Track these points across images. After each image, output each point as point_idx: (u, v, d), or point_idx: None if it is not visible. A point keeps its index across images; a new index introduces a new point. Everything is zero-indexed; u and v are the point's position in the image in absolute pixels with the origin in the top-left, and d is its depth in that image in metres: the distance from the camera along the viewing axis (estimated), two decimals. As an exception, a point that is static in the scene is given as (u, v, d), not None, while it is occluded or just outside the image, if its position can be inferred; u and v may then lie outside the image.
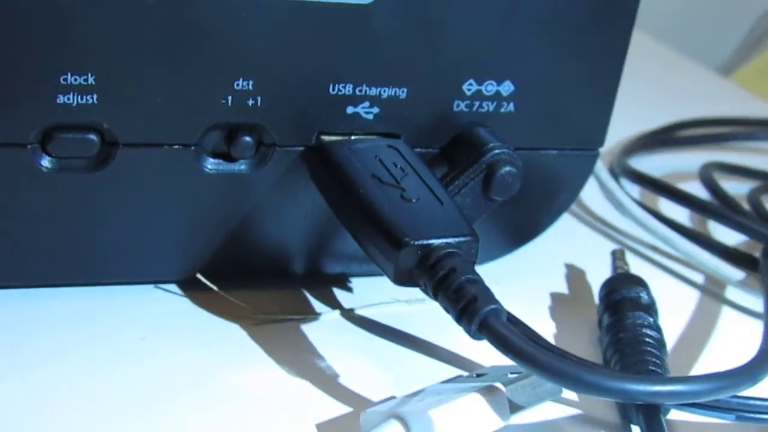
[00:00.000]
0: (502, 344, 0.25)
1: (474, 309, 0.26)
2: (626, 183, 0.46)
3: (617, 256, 0.36)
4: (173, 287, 0.33)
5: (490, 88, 0.32)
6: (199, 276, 0.32)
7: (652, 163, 0.49)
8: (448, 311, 0.27)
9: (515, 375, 0.28)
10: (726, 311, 0.37)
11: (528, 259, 0.37)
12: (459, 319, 0.26)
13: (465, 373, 0.30)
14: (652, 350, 0.30)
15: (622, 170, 0.46)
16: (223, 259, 0.32)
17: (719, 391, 0.26)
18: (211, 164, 0.31)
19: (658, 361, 0.30)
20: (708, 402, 0.28)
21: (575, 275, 0.38)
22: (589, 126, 0.34)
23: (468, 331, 0.26)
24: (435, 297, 0.27)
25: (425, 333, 0.32)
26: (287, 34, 0.29)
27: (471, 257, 0.28)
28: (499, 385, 0.27)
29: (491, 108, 0.32)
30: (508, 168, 0.31)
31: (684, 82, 0.68)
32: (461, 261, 0.27)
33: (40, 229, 0.30)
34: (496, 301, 0.26)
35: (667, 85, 0.64)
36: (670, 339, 0.33)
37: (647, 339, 0.31)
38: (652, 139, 0.50)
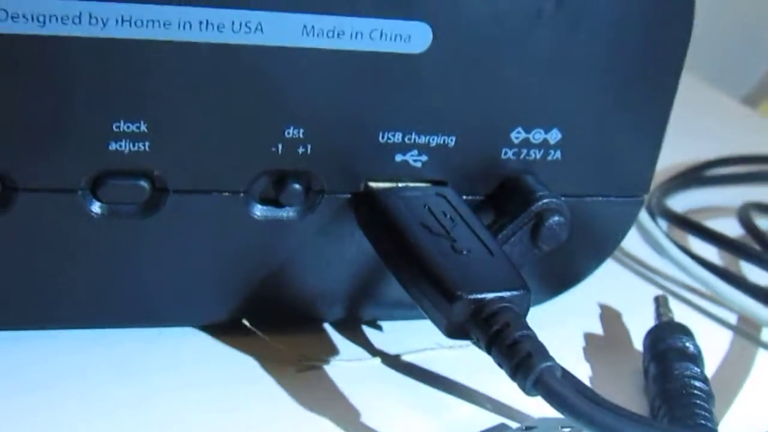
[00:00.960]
0: (558, 402, 0.25)
1: (529, 365, 0.26)
2: (661, 221, 0.45)
3: (660, 303, 0.36)
4: (219, 331, 0.33)
5: (537, 135, 0.32)
6: (244, 322, 0.32)
7: (688, 201, 0.48)
8: (501, 366, 0.27)
9: (566, 430, 0.28)
10: (764, 355, 0.37)
11: (562, 298, 0.37)
12: (514, 375, 0.26)
13: (512, 423, 0.30)
14: (701, 402, 0.30)
15: (659, 210, 0.45)
16: (267, 304, 0.32)
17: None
18: (259, 210, 0.31)
19: (707, 414, 0.30)
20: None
21: (611, 317, 0.38)
22: (635, 172, 0.34)
23: (522, 387, 0.26)
24: (488, 351, 0.27)
25: (468, 379, 0.32)
26: (338, 82, 0.29)
27: (523, 311, 0.28)
28: (550, 441, 0.27)
29: (538, 156, 0.32)
30: (556, 217, 0.31)
31: (714, 113, 0.67)
32: (514, 315, 0.27)
33: (88, 273, 0.30)
34: (550, 358, 0.26)
35: (694, 116, 0.64)
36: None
37: (695, 391, 0.31)
38: (689, 177, 0.50)
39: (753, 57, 0.94)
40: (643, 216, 0.43)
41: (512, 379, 0.26)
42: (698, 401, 0.30)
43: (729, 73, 0.90)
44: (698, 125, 0.61)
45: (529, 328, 0.27)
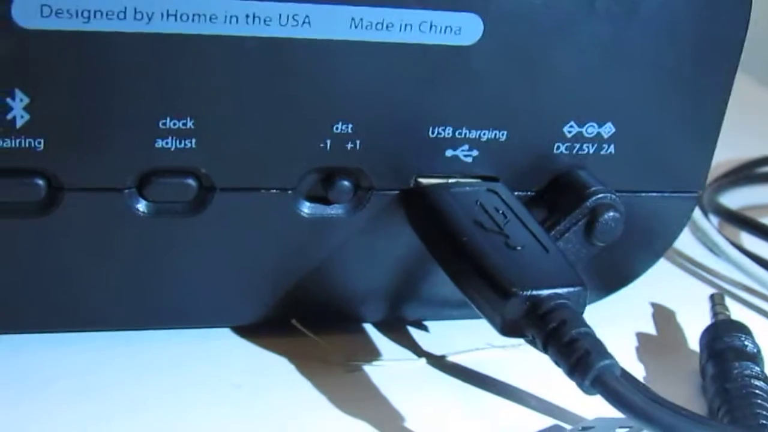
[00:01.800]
0: (619, 401, 0.25)
1: (588, 364, 0.25)
2: (714, 218, 0.44)
3: (716, 301, 0.35)
4: (265, 331, 0.32)
5: (591, 130, 0.31)
6: (294, 322, 0.31)
7: (740, 198, 0.48)
8: (558, 365, 0.26)
9: (625, 429, 0.27)
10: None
11: (613, 298, 0.36)
12: (571, 374, 0.26)
13: (565, 425, 0.29)
14: (763, 402, 0.29)
15: (712, 207, 0.44)
16: (314, 304, 0.32)
17: None
18: (307, 208, 0.30)
19: (768, 414, 0.29)
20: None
21: (664, 316, 0.37)
22: (689, 168, 0.33)
23: (581, 386, 0.25)
24: (545, 350, 0.26)
25: (519, 381, 0.32)
26: (387, 76, 0.29)
27: (580, 308, 0.27)
28: (611, 442, 0.26)
29: (591, 150, 0.32)
30: (611, 213, 0.31)
31: (764, 109, 0.66)
32: (571, 312, 0.27)
33: (135, 273, 0.30)
34: (610, 356, 0.26)
35: (748, 114, 0.63)
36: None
37: (756, 391, 0.30)
38: (741, 174, 0.49)
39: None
40: (696, 213, 0.42)
41: (570, 378, 0.26)
42: (759, 401, 0.29)
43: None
44: (750, 124, 0.60)
45: (587, 326, 0.26)
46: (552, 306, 0.26)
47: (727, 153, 0.49)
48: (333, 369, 0.31)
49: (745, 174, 0.50)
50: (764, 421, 0.29)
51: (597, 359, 0.25)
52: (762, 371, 0.31)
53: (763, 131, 0.59)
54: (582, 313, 0.27)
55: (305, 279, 0.31)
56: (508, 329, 0.27)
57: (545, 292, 0.27)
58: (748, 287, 0.40)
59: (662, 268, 0.40)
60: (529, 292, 0.27)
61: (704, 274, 0.41)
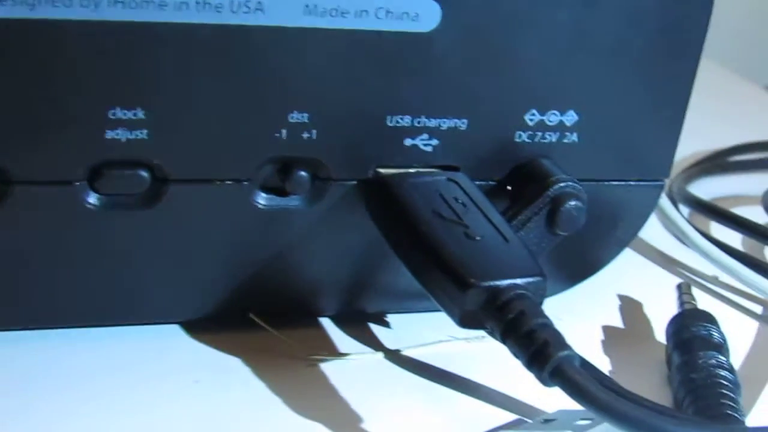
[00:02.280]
0: (577, 392, 0.24)
1: (546, 355, 0.25)
2: (684, 209, 0.44)
3: (683, 290, 0.35)
4: (223, 326, 0.31)
5: (553, 118, 0.31)
6: (252, 316, 0.31)
7: (711, 188, 0.47)
8: (517, 356, 0.26)
9: (586, 422, 0.27)
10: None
11: (580, 289, 0.36)
12: (530, 365, 0.25)
13: (528, 420, 0.29)
14: (727, 392, 0.29)
15: (681, 197, 0.44)
16: (272, 297, 0.31)
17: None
18: (264, 200, 0.29)
19: (733, 404, 0.29)
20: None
21: (632, 308, 0.36)
22: (654, 156, 0.33)
23: (539, 378, 0.25)
24: (503, 341, 0.26)
25: (483, 374, 0.31)
26: (343, 64, 0.28)
27: (539, 298, 0.27)
28: (571, 434, 0.26)
29: (554, 139, 0.31)
30: (573, 202, 0.30)
31: (736, 100, 0.66)
32: (530, 303, 0.26)
33: (87, 268, 0.29)
34: (568, 347, 0.25)
35: (719, 103, 0.63)
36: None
37: (721, 381, 0.29)
38: (711, 163, 0.49)
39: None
40: (665, 203, 0.42)
41: (528, 369, 0.25)
42: (724, 391, 0.29)
43: (754, 60, 0.88)
44: (722, 112, 0.60)
45: (545, 316, 0.26)
46: (510, 297, 0.26)
47: (698, 143, 0.49)
48: (293, 363, 0.31)
49: (716, 163, 0.50)
50: (729, 411, 0.28)
51: (555, 350, 0.25)
52: (727, 361, 0.31)
53: (735, 121, 0.59)
54: (541, 303, 0.27)
55: (263, 272, 0.30)
56: (466, 321, 0.27)
57: (503, 282, 0.26)
58: (716, 277, 0.39)
59: (631, 259, 0.40)
60: (487, 283, 0.26)
61: (673, 265, 0.41)
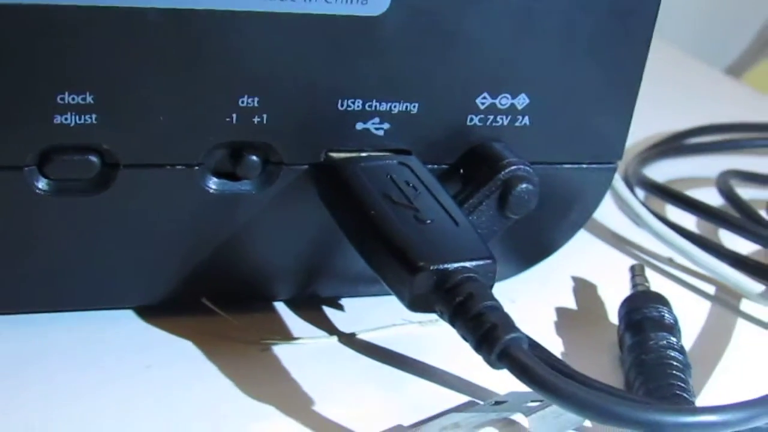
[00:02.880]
0: (525, 374, 0.24)
1: (494, 337, 0.25)
2: (639, 192, 0.44)
3: (636, 272, 0.35)
4: (175, 311, 0.31)
5: (504, 101, 0.31)
6: (204, 300, 0.31)
7: (666, 171, 0.47)
8: (466, 339, 0.26)
9: (536, 403, 0.27)
10: (743, 324, 0.36)
11: (534, 271, 0.36)
12: (478, 348, 0.25)
13: (480, 402, 0.29)
14: (677, 373, 0.29)
15: (636, 179, 0.44)
16: (225, 282, 0.31)
17: (757, 419, 0.24)
18: (215, 184, 0.29)
19: (683, 385, 0.29)
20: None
21: (585, 290, 0.37)
22: (606, 139, 0.33)
23: (487, 360, 0.25)
24: (452, 324, 0.26)
25: (436, 357, 0.31)
26: (293, 48, 0.28)
27: (488, 281, 0.27)
28: (519, 416, 0.26)
29: (506, 122, 0.31)
30: (524, 185, 0.30)
31: (694, 83, 0.66)
32: (479, 286, 0.26)
33: (37, 253, 0.29)
34: (516, 329, 0.25)
35: (677, 87, 0.63)
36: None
37: (672, 362, 0.30)
38: (667, 146, 0.49)
39: (736, 27, 0.93)
40: (620, 186, 0.42)
41: (477, 352, 0.25)
42: (675, 372, 0.29)
43: (712, 45, 0.89)
44: (680, 96, 0.61)
45: (494, 299, 0.26)
46: (459, 280, 0.26)
47: (655, 126, 0.50)
48: (245, 348, 0.31)
49: (672, 146, 0.50)
50: (679, 392, 0.29)
51: (503, 333, 0.25)
52: (678, 342, 0.31)
53: (692, 104, 0.59)
54: (491, 286, 0.27)
55: (215, 257, 0.30)
56: (416, 304, 0.27)
57: (452, 265, 0.26)
58: (671, 259, 0.40)
59: (586, 241, 0.40)
60: (436, 266, 0.26)
61: (628, 246, 0.41)
